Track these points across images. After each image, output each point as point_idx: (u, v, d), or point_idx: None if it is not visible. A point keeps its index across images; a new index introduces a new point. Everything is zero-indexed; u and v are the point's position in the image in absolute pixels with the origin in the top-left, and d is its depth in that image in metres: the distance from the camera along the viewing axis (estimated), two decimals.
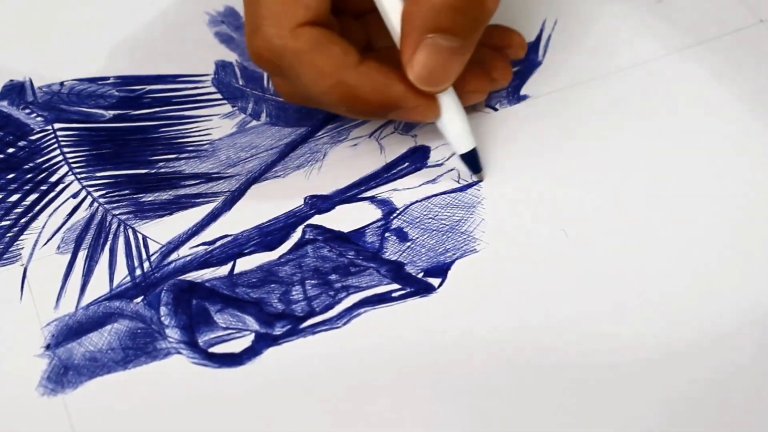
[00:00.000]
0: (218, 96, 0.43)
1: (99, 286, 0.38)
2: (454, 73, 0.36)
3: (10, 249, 0.39)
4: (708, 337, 0.35)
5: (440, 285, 0.37)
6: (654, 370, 0.34)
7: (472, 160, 0.39)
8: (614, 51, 0.43)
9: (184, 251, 0.38)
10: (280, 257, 0.38)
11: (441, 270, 0.37)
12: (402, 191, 0.40)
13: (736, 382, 0.34)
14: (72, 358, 0.36)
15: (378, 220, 0.39)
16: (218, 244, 0.39)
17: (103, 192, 0.40)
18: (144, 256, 0.38)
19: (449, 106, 0.37)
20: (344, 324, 0.36)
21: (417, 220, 0.39)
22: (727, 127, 0.40)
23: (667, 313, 0.36)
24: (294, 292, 0.37)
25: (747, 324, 0.35)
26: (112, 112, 0.43)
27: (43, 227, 0.39)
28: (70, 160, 0.41)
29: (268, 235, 0.39)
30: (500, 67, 0.40)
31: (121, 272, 0.38)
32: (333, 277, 0.37)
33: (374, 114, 0.37)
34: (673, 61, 0.43)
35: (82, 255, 0.39)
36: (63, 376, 0.35)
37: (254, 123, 0.42)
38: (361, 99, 0.36)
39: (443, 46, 0.35)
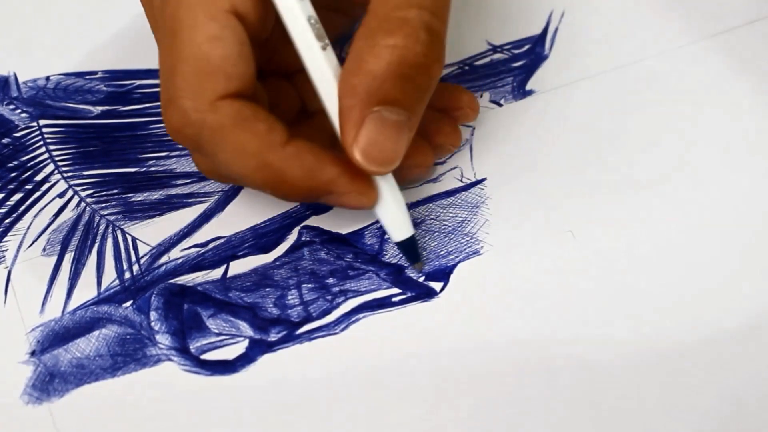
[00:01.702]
0: None
1: (86, 289, 0.38)
2: (402, 150, 0.33)
3: None
4: (720, 340, 0.35)
5: (442, 289, 0.37)
6: (663, 372, 0.34)
7: (408, 248, 0.37)
8: (623, 44, 0.43)
9: (176, 253, 0.38)
10: (276, 260, 0.38)
11: (443, 273, 0.37)
12: (402, 191, 0.39)
13: (746, 383, 0.34)
14: (58, 365, 0.36)
15: (377, 222, 0.39)
16: (211, 246, 0.38)
17: (91, 191, 0.40)
18: (133, 258, 0.38)
19: (386, 190, 0.35)
20: (342, 330, 0.36)
21: (418, 221, 0.39)
22: (741, 121, 0.40)
23: (679, 316, 0.36)
24: (290, 297, 0.37)
25: (761, 327, 0.35)
26: (100, 108, 0.43)
27: (28, 228, 0.39)
28: (57, 158, 0.41)
29: (262, 237, 0.39)
30: (446, 131, 0.38)
31: (110, 275, 0.38)
32: (330, 280, 0.37)
33: (303, 198, 0.35)
34: (685, 53, 0.43)
35: (68, 257, 0.38)
36: (49, 383, 0.35)
37: None
38: (287, 183, 0.33)
39: (391, 120, 0.32)
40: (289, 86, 0.38)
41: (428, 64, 0.33)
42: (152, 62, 0.44)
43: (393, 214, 0.36)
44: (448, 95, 0.39)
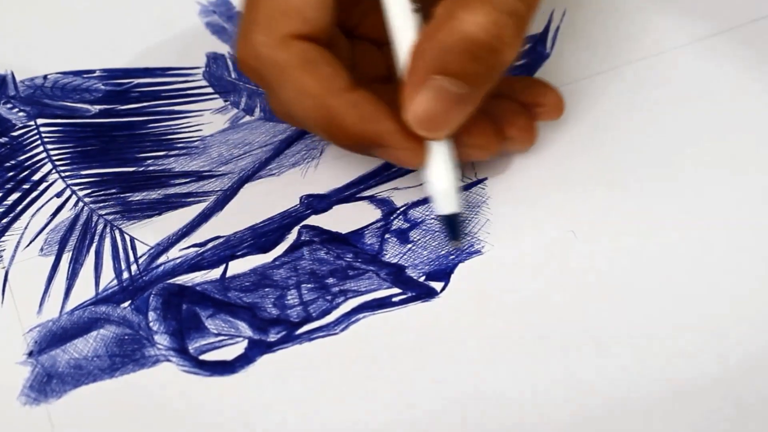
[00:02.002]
0: (210, 90, 0.43)
1: (84, 290, 0.38)
2: (455, 122, 0.34)
3: None
4: (726, 341, 0.35)
5: (443, 289, 0.37)
6: (667, 372, 0.34)
7: (451, 224, 0.37)
8: (625, 43, 0.43)
9: (174, 253, 0.38)
10: (275, 260, 0.38)
11: (444, 273, 0.37)
12: (403, 190, 0.40)
13: (749, 383, 0.34)
14: (56, 365, 0.36)
15: (377, 221, 0.39)
16: (210, 246, 0.38)
17: (89, 191, 0.40)
18: (131, 258, 0.38)
19: (439, 157, 0.35)
20: (342, 330, 0.36)
21: (419, 221, 0.39)
22: (747, 120, 0.40)
23: (684, 316, 0.36)
24: (289, 297, 0.37)
25: (764, 329, 0.35)
26: (98, 107, 0.43)
27: (26, 228, 0.39)
28: (54, 158, 0.41)
29: (262, 237, 0.39)
30: (519, 125, 0.38)
31: (108, 275, 0.38)
32: (330, 280, 0.37)
33: (356, 147, 0.36)
34: (688, 52, 0.43)
35: (66, 257, 0.38)
36: (46, 384, 0.35)
37: (248, 118, 0.42)
38: (343, 128, 0.35)
39: (449, 91, 0.33)
40: (378, 53, 0.39)
41: (500, 48, 0.33)
42: (150, 61, 0.44)
43: (440, 184, 0.36)
44: (532, 89, 0.39)
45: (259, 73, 0.35)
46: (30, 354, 0.36)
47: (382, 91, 0.36)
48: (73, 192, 0.40)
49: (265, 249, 0.38)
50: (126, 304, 0.37)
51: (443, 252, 0.38)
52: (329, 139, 0.36)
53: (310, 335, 0.36)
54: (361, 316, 0.36)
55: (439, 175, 0.36)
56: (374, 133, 0.35)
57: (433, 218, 0.39)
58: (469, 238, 0.38)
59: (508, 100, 0.38)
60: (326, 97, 0.34)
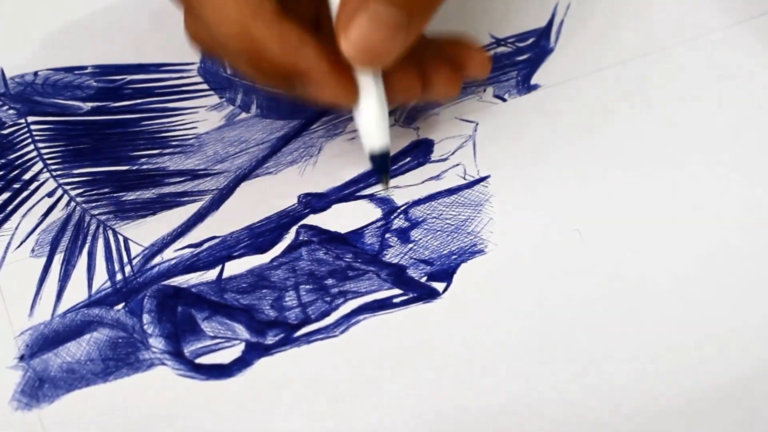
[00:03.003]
0: (205, 86, 0.43)
1: (77, 292, 0.37)
2: (393, 51, 0.33)
3: None
4: (734, 339, 0.35)
5: (445, 290, 0.37)
6: (673, 372, 0.34)
7: (379, 162, 0.36)
8: (631, 36, 0.43)
9: (169, 254, 0.38)
10: (272, 260, 0.38)
11: (446, 274, 0.37)
12: (403, 189, 0.40)
13: (759, 388, 0.34)
14: (48, 369, 0.36)
15: (378, 220, 0.39)
16: (205, 246, 0.38)
17: (81, 190, 0.40)
18: (125, 259, 0.38)
19: (369, 90, 0.35)
20: (341, 332, 0.36)
21: (420, 220, 0.39)
22: (758, 116, 0.40)
23: (690, 317, 0.36)
24: (287, 298, 0.37)
25: None
26: (90, 104, 0.43)
27: (16, 228, 0.39)
28: (45, 156, 0.41)
29: (259, 237, 0.39)
30: (443, 73, 0.37)
31: (101, 277, 0.38)
32: (329, 281, 0.37)
33: (279, 80, 0.35)
34: (695, 46, 0.43)
35: (58, 258, 0.38)
36: (38, 389, 0.35)
37: (244, 115, 0.42)
38: (264, 57, 0.34)
39: (386, 18, 0.33)
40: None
41: None
42: (143, 57, 0.44)
43: (370, 120, 0.35)
44: (458, 48, 0.39)
45: None
46: (21, 358, 0.36)
47: (311, 34, 0.35)
48: (65, 191, 0.40)
49: (263, 249, 0.38)
50: (120, 306, 0.37)
51: (445, 251, 0.38)
52: (249, 69, 0.35)
53: (308, 338, 0.36)
54: (361, 317, 0.36)
55: (367, 112, 0.35)
56: (299, 64, 0.34)
57: (434, 217, 0.39)
58: (476, 236, 0.38)
59: (435, 52, 0.38)
60: (250, 22, 0.34)
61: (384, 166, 0.37)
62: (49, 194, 0.40)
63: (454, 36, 0.39)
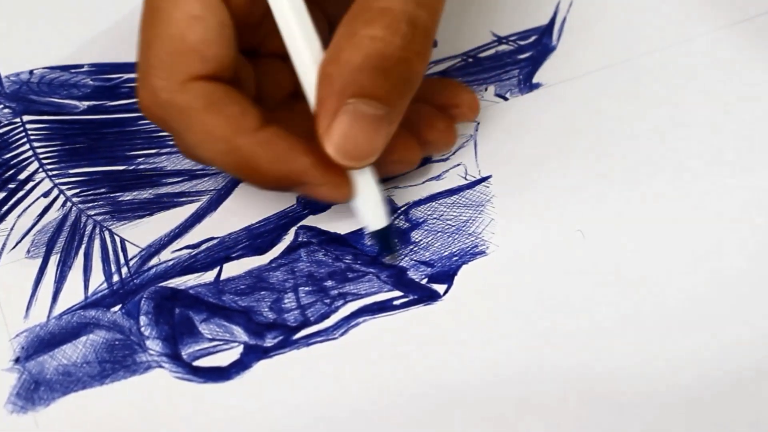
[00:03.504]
0: None
1: (73, 293, 0.38)
2: (379, 146, 0.33)
3: None
4: (733, 344, 0.35)
5: (446, 292, 0.37)
6: (674, 375, 0.34)
7: (383, 238, 0.37)
8: (635, 35, 0.43)
9: (166, 255, 0.38)
10: (271, 262, 0.38)
11: (447, 275, 0.37)
12: (404, 189, 0.40)
13: (757, 388, 0.34)
14: (44, 372, 0.36)
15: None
16: (203, 247, 0.38)
17: (77, 190, 0.40)
18: (122, 260, 0.38)
19: (363, 184, 0.35)
20: (341, 335, 0.36)
21: (420, 221, 0.39)
22: (760, 114, 0.40)
23: (694, 318, 0.36)
24: (286, 300, 0.37)
25: None
26: (86, 103, 0.43)
27: (12, 229, 0.39)
28: (41, 156, 0.41)
29: (257, 238, 0.39)
30: (439, 128, 0.37)
31: (97, 278, 0.38)
32: (329, 283, 0.37)
33: (275, 187, 0.35)
34: (699, 44, 0.43)
35: (54, 260, 0.38)
36: (34, 392, 0.35)
37: None
38: (257, 170, 0.34)
39: (367, 114, 0.32)
40: (284, 68, 0.38)
41: (408, 58, 0.33)
42: None
43: (367, 208, 0.36)
44: (446, 91, 0.39)
45: (162, 118, 0.34)
46: (16, 360, 0.36)
47: (291, 114, 0.35)
48: (61, 192, 0.40)
49: (261, 250, 0.38)
50: (116, 308, 0.37)
51: (446, 253, 0.38)
52: (246, 180, 0.35)
53: (308, 340, 0.36)
54: (361, 320, 0.36)
55: (363, 202, 0.35)
56: (291, 171, 0.34)
57: (435, 218, 0.39)
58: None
59: (424, 103, 0.37)
60: (235, 139, 0.33)
61: (385, 241, 0.37)
62: (45, 194, 0.40)
63: (437, 79, 0.39)
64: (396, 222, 0.39)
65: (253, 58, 0.37)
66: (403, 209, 0.39)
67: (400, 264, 0.38)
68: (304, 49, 0.33)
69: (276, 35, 0.35)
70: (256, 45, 0.37)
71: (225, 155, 0.34)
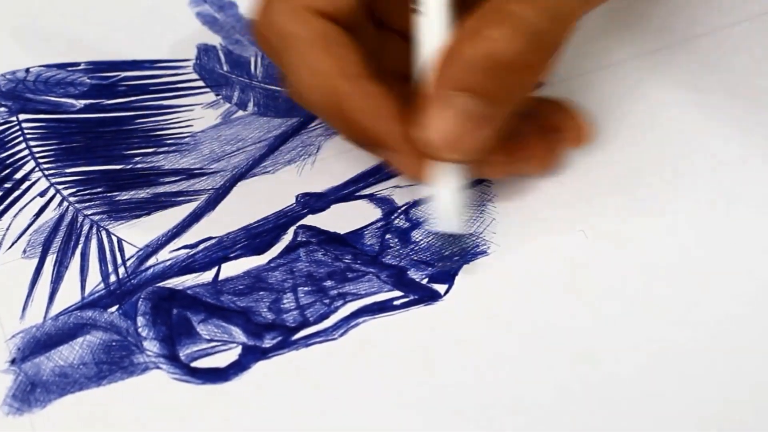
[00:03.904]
0: (200, 83, 0.43)
1: (69, 294, 0.37)
2: (474, 143, 0.34)
3: None
4: (740, 346, 0.35)
5: (447, 292, 0.37)
6: (677, 379, 0.34)
7: (450, 244, 0.37)
8: (640, 32, 0.43)
9: (164, 255, 0.38)
10: (270, 262, 0.38)
11: (447, 275, 0.37)
12: (404, 188, 0.40)
13: (761, 388, 0.34)
14: (40, 373, 0.36)
15: (378, 221, 0.39)
16: (201, 247, 0.39)
17: (74, 190, 0.40)
18: (119, 260, 0.38)
19: (449, 179, 0.35)
20: (341, 335, 0.36)
21: (421, 220, 0.39)
22: (754, 117, 0.40)
23: (695, 320, 0.36)
24: (285, 301, 0.37)
25: None
26: (83, 102, 0.43)
27: (8, 229, 0.39)
28: (37, 155, 0.41)
29: (256, 238, 0.39)
30: (538, 147, 0.37)
31: (94, 279, 0.38)
32: (328, 283, 0.37)
33: (358, 140, 0.35)
34: (698, 45, 0.43)
35: (50, 260, 0.38)
36: (30, 393, 0.35)
37: (240, 113, 0.42)
38: (347, 118, 0.34)
39: (470, 110, 0.33)
40: (406, 47, 0.37)
41: (523, 68, 0.33)
42: (138, 53, 0.44)
43: (446, 209, 0.35)
44: (557, 114, 0.38)
45: (272, 44, 0.35)
46: (12, 361, 0.36)
47: (404, 89, 0.35)
48: (58, 191, 0.40)
49: (260, 250, 0.38)
50: (113, 308, 0.37)
51: (447, 253, 0.38)
52: (334, 126, 0.36)
53: (307, 341, 0.36)
54: (360, 320, 0.36)
55: (445, 199, 0.35)
56: (380, 130, 0.34)
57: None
58: (472, 243, 0.38)
59: (530, 120, 0.37)
60: (337, 80, 0.34)
61: (454, 245, 0.37)
62: (41, 194, 0.40)
63: (550, 99, 0.39)
64: (397, 221, 0.39)
65: (380, 29, 0.37)
66: (403, 208, 0.39)
67: (401, 264, 0.38)
68: (430, 32, 0.34)
69: (404, 11, 0.35)
70: (382, 15, 0.37)
71: (321, 93, 0.34)
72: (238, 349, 0.36)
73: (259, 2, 0.35)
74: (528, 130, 0.37)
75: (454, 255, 0.37)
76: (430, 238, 0.38)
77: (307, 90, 0.35)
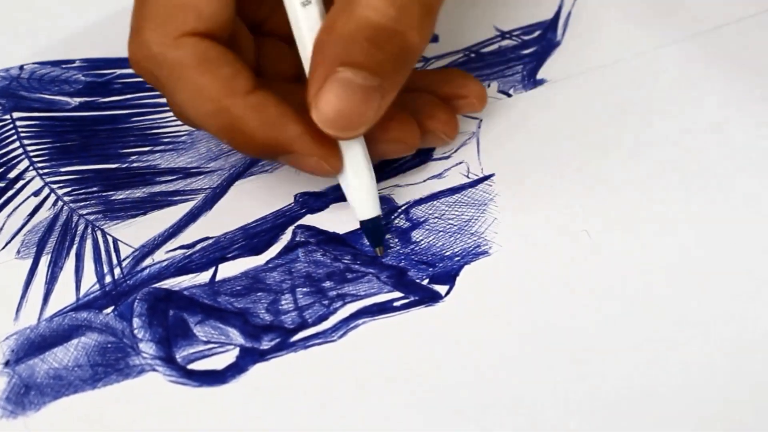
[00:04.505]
0: None
1: (64, 295, 0.38)
2: (368, 118, 0.34)
3: None
4: (741, 346, 0.35)
5: (448, 292, 0.37)
6: (678, 378, 0.34)
7: (372, 230, 0.37)
8: (641, 30, 0.43)
9: (160, 256, 0.38)
10: (268, 262, 0.38)
11: (448, 276, 0.37)
12: (405, 187, 0.40)
13: (761, 387, 0.34)
14: (34, 376, 0.36)
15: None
16: (198, 247, 0.39)
17: (69, 189, 0.40)
18: (114, 261, 0.38)
19: (353, 159, 0.36)
20: (340, 337, 0.36)
21: (421, 220, 0.39)
22: (756, 116, 0.41)
23: (699, 319, 0.36)
24: (283, 302, 0.37)
25: None
26: (78, 100, 0.43)
27: (1, 229, 0.39)
28: (31, 154, 0.41)
29: (254, 238, 0.39)
30: (441, 118, 0.38)
31: (89, 279, 0.38)
32: (327, 284, 0.37)
33: (261, 154, 0.36)
34: (706, 40, 0.43)
35: (45, 260, 0.38)
36: (24, 396, 0.35)
37: None
38: (245, 134, 0.34)
39: (356, 83, 0.33)
40: (287, 51, 0.38)
41: (402, 31, 0.33)
42: None
43: (357, 189, 0.36)
44: (452, 81, 0.39)
45: (153, 74, 0.35)
46: (6, 363, 0.36)
47: (291, 92, 0.35)
48: (52, 190, 0.40)
49: (258, 250, 0.38)
50: (109, 310, 0.37)
51: (448, 253, 0.38)
52: (232, 145, 0.36)
53: (305, 342, 0.36)
54: (360, 321, 0.36)
55: (353, 180, 0.36)
56: (280, 138, 0.35)
57: (436, 217, 0.39)
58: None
59: (427, 93, 0.38)
60: (225, 100, 0.34)
61: (376, 233, 0.37)
62: (36, 193, 0.40)
63: (442, 70, 0.39)
64: (396, 221, 0.39)
65: (256, 35, 0.37)
66: (403, 208, 0.39)
67: (401, 264, 0.38)
68: (301, 19, 0.34)
69: (280, 14, 0.35)
70: (259, 21, 0.38)
71: (213, 116, 0.34)
72: (236, 351, 0.36)
73: (131, 32, 0.35)
74: (427, 101, 0.38)
75: (382, 241, 0.37)
76: (430, 238, 0.38)
77: (197, 113, 0.35)
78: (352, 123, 0.34)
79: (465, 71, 0.40)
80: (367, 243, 0.38)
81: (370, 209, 0.37)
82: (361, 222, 0.37)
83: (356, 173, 0.36)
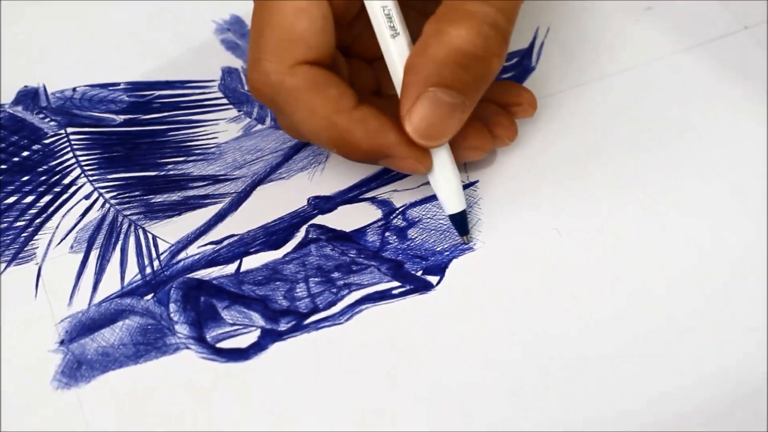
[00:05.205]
0: (225, 101, 0.43)
1: (111, 283, 0.38)
2: (452, 129, 0.35)
3: (25, 249, 0.39)
4: (712, 336, 0.35)
5: (438, 282, 0.37)
6: (654, 366, 0.34)
7: (460, 221, 0.37)
8: (605, 56, 0.43)
9: (193, 250, 0.39)
10: (285, 256, 0.38)
11: (439, 268, 0.37)
12: (401, 192, 0.40)
13: (737, 379, 0.34)
14: (85, 353, 0.36)
15: (378, 220, 0.39)
16: (225, 243, 0.39)
17: (115, 193, 0.40)
18: (154, 254, 0.38)
19: (442, 162, 0.36)
20: (346, 320, 0.36)
21: (416, 220, 0.39)
22: (728, 126, 0.40)
23: (664, 312, 0.36)
24: (298, 290, 0.37)
25: (757, 329, 0.35)
26: (122, 117, 0.43)
27: (57, 227, 0.40)
28: (83, 163, 0.41)
29: (273, 235, 0.39)
30: (504, 124, 0.38)
31: (132, 270, 0.38)
32: (335, 275, 0.37)
33: (365, 159, 0.36)
34: (662, 66, 0.43)
35: (94, 254, 0.39)
36: (76, 370, 0.35)
37: (259, 127, 0.42)
38: (351, 143, 0.35)
39: (444, 101, 0.33)
40: (369, 69, 0.39)
41: (487, 57, 0.34)
42: (170, 74, 0.44)
43: (447, 186, 0.36)
44: (509, 92, 0.39)
45: (272, 98, 0.35)
46: (61, 342, 0.36)
47: (378, 104, 0.36)
48: (100, 194, 0.40)
49: (276, 246, 0.38)
50: (149, 296, 0.37)
51: (438, 248, 0.38)
52: (340, 153, 0.36)
53: (317, 325, 0.36)
54: (363, 307, 0.37)
55: (444, 178, 0.36)
56: (381, 145, 0.35)
57: (429, 217, 0.39)
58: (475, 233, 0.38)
59: (490, 102, 0.38)
60: (335, 116, 0.34)
61: (463, 224, 0.37)
62: (86, 197, 0.40)
63: (500, 82, 0.39)
64: (395, 221, 0.39)
65: (344, 55, 0.38)
66: (401, 210, 0.39)
67: (398, 258, 0.38)
68: (392, 48, 0.35)
69: (363, 39, 0.37)
70: (347, 46, 0.38)
71: (325, 130, 0.35)
72: (257, 332, 0.36)
73: (250, 63, 0.35)
74: (492, 110, 0.38)
75: (467, 230, 0.38)
76: (424, 236, 0.38)
77: (313, 131, 0.35)
78: (439, 133, 0.34)
79: (519, 83, 0.41)
80: (370, 240, 0.38)
81: (457, 204, 0.37)
82: (450, 216, 0.37)
83: (444, 175, 0.36)
